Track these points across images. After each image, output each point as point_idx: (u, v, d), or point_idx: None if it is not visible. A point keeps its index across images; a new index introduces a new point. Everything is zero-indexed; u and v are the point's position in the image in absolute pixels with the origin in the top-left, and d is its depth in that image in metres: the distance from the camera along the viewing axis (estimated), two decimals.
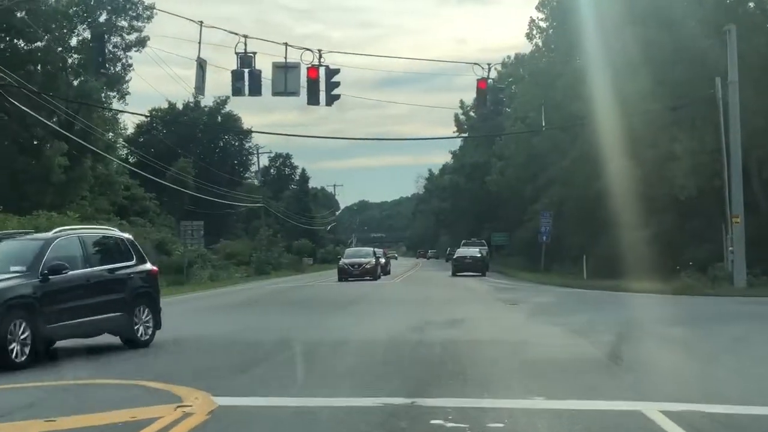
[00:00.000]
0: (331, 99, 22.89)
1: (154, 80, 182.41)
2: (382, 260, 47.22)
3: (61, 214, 34.03)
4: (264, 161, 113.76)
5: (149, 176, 50.60)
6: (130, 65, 50.41)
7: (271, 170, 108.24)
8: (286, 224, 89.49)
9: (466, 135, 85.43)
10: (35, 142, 45.50)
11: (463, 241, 63.49)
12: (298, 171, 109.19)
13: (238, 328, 16.88)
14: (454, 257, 48.33)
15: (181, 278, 40.64)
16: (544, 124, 40.67)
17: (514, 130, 52.99)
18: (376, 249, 51.25)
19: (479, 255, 46.99)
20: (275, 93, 21.93)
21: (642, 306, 22.58)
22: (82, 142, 41.21)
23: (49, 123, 36.67)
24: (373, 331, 15.56)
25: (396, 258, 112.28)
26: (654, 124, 35.28)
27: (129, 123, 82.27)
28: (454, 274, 44.97)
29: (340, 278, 39.82)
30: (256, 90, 21.93)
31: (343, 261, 41.45)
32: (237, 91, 21.82)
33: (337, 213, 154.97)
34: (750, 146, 31.39)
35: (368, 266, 39.88)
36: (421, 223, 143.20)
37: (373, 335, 14.67)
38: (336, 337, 14.47)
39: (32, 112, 35.84)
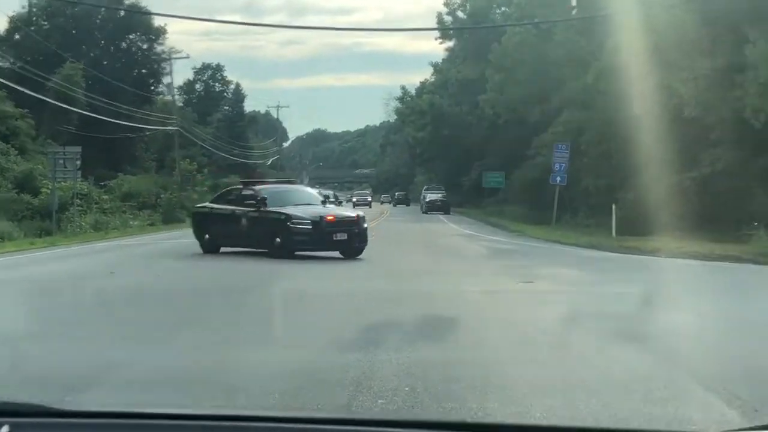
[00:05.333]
0: None
1: None
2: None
3: None
4: (188, 73, 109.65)
5: (14, 86, 45.87)
6: None
7: (197, 86, 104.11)
8: (214, 156, 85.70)
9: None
10: None
11: (425, 187, 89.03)
12: (232, 88, 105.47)
13: None
14: (426, 200, 78.47)
15: (49, 226, 36.64)
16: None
17: (519, 30, 49.63)
18: (323, 191, 46.83)
19: (444, 198, 77.17)
20: None
21: (748, 287, 18.13)
22: None
23: None
24: None
25: (369, 205, 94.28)
26: (715, 22, 32.32)
27: None
28: (424, 212, 73.93)
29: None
30: None
31: None
32: None
33: (285, 144, 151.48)
34: None
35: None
36: (392, 159, 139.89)
37: None
38: None
39: None
